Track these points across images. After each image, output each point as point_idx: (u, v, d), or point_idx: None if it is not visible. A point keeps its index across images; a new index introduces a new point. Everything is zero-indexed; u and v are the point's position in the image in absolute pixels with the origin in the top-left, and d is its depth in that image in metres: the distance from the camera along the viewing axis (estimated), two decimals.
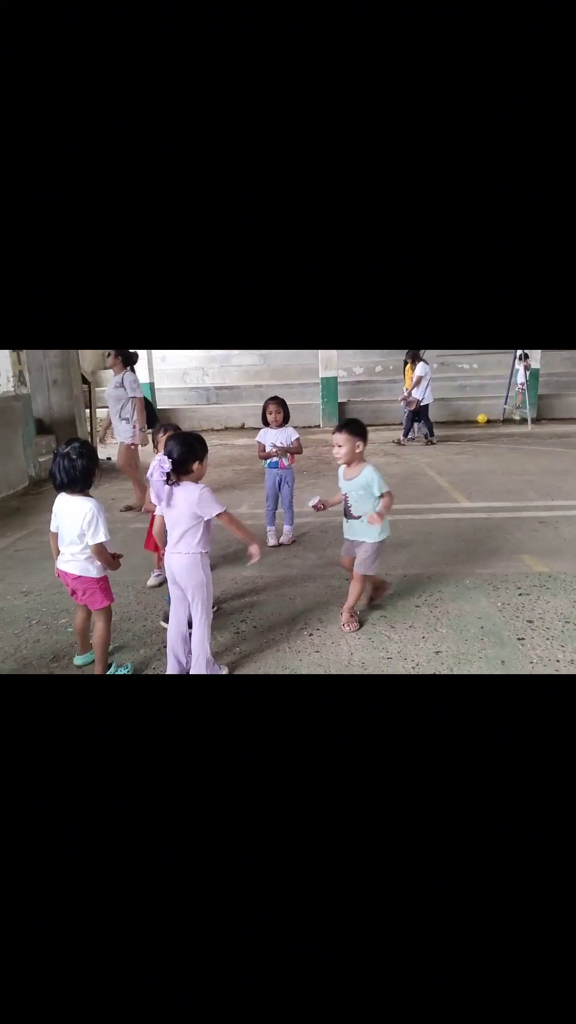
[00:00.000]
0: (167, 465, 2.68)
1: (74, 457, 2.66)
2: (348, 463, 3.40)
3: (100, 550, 2.73)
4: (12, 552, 5.04)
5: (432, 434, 9.86)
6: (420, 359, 9.86)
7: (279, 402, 4.80)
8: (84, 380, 9.40)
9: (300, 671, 3.01)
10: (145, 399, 6.15)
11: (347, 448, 3.35)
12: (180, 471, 2.71)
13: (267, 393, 5.97)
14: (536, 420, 11.40)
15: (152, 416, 6.28)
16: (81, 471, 2.67)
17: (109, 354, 6.03)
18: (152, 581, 4.13)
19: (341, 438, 3.35)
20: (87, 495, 2.76)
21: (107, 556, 2.77)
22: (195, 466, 2.75)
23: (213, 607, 3.28)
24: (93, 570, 2.80)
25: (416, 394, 9.69)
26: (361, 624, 3.51)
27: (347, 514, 3.45)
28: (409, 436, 9.90)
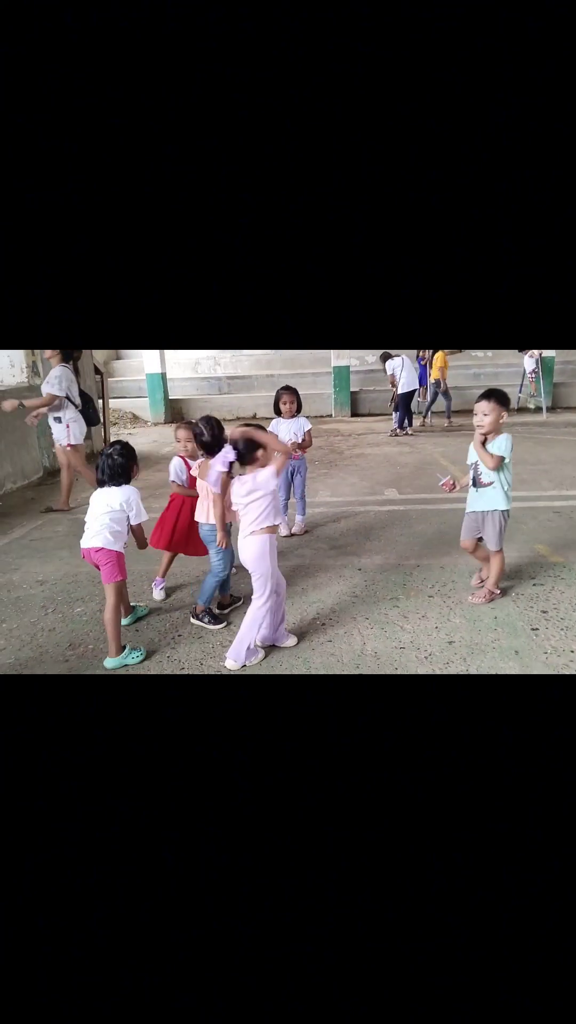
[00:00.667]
0: (231, 456, 2.87)
1: (116, 457, 3.10)
2: (487, 433, 3.35)
3: (140, 529, 3.14)
4: (27, 542, 5.09)
5: (408, 425, 9.78)
6: (389, 356, 9.85)
7: (292, 392, 4.76)
8: (97, 371, 9.42)
9: (313, 661, 3.02)
10: (87, 397, 5.80)
11: (492, 418, 3.30)
12: (244, 461, 2.90)
13: (279, 382, 5.91)
14: (551, 409, 11.28)
15: (92, 415, 5.89)
16: (120, 467, 3.10)
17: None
18: (158, 594, 3.85)
19: (487, 407, 3.27)
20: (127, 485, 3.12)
21: (143, 535, 3.17)
22: (260, 453, 2.91)
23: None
24: (115, 543, 3.07)
25: (404, 387, 9.67)
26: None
27: (476, 483, 3.45)
28: (403, 427, 9.83)
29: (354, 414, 12.07)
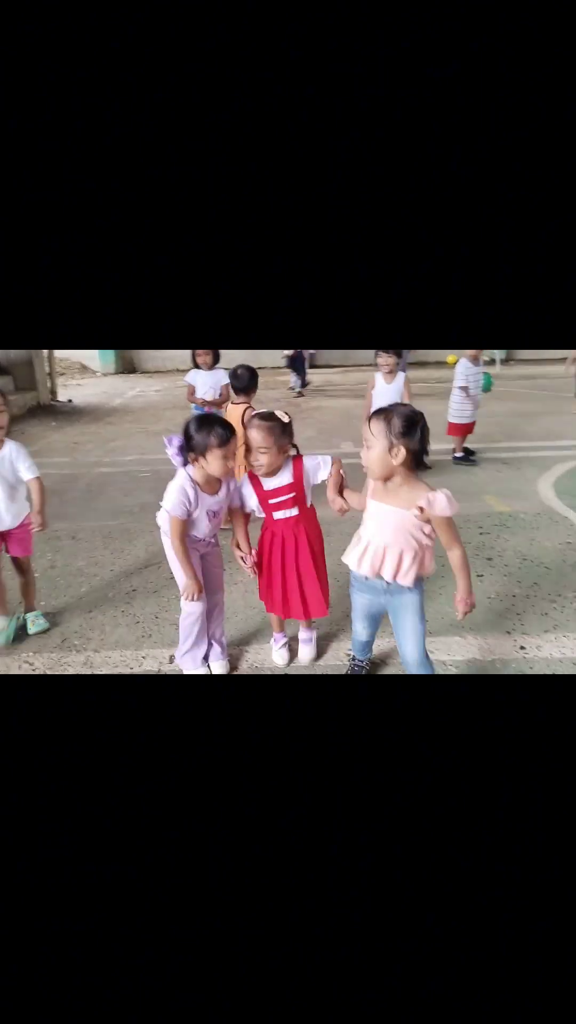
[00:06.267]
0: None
1: None
2: None
3: (36, 484, 2.78)
4: None
5: (302, 385, 9.77)
6: None
7: None
8: None
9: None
10: None
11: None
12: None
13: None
14: (505, 361, 11.39)
15: None
16: None
17: None
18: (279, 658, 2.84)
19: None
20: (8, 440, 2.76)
21: (39, 492, 2.79)
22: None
23: None
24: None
25: None
26: None
27: None
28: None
29: (311, 366, 11.98)
